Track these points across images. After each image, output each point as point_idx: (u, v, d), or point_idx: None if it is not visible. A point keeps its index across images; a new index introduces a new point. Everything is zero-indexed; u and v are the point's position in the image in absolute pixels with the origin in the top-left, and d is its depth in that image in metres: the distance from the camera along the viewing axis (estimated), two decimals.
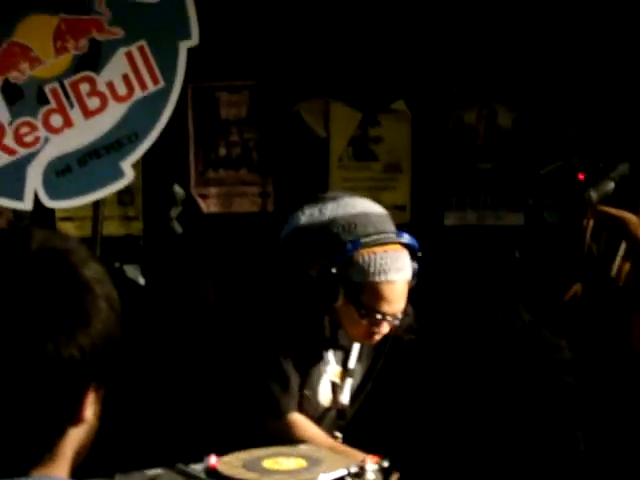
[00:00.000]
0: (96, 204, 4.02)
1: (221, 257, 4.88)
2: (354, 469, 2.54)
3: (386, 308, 2.85)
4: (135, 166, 3.96)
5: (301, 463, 2.62)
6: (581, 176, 3.29)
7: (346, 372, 3.08)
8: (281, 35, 4.83)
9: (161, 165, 4.69)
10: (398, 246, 2.87)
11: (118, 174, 3.88)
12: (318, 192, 4.88)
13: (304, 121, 5.04)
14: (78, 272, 1.27)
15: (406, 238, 2.89)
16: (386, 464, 2.54)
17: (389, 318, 2.86)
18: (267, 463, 2.62)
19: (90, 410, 1.29)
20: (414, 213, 5.03)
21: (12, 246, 1.27)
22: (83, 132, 3.84)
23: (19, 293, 1.23)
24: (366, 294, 2.85)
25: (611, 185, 3.30)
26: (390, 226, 2.92)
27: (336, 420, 3.09)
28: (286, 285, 2.95)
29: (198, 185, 4.96)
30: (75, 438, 1.30)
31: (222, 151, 4.99)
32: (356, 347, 3.07)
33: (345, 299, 2.86)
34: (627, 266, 3.49)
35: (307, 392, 3.02)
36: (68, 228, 4.65)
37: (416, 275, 2.91)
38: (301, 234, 2.92)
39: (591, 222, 3.45)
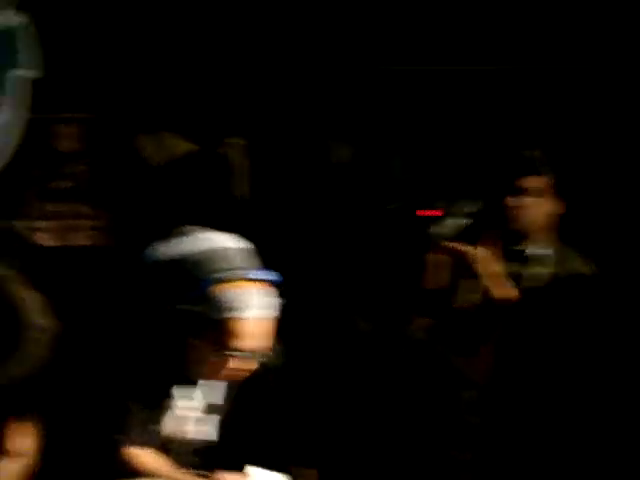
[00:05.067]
0: None
1: (56, 291, 4.78)
2: None
3: (241, 345, 2.85)
4: None
5: None
6: (426, 213, 3.40)
7: (210, 408, 3.06)
8: (115, 67, 4.80)
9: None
10: (253, 282, 2.88)
11: None
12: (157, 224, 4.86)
13: (139, 153, 5.01)
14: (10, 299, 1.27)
15: (260, 274, 2.89)
16: None
17: (246, 355, 2.86)
18: None
19: (19, 443, 1.26)
20: None
21: None
22: None
23: None
24: (219, 331, 2.84)
25: (457, 221, 3.44)
26: (245, 261, 2.91)
27: (203, 457, 3.07)
28: (137, 320, 2.93)
29: (31, 219, 4.85)
30: (5, 472, 1.27)
31: (56, 184, 4.91)
32: (220, 383, 3.06)
33: (198, 336, 2.85)
34: (471, 297, 3.63)
35: (154, 427, 2.98)
36: None
37: (277, 311, 2.91)
38: (153, 270, 2.90)
39: (435, 257, 3.58)
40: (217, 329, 2.83)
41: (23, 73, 3.87)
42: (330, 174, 5.14)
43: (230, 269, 2.85)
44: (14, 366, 1.24)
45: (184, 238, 2.94)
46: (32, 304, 1.29)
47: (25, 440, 1.28)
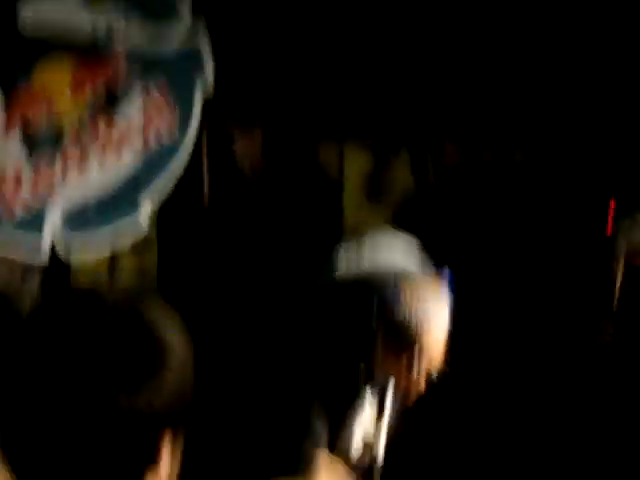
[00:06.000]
0: (112, 255, 4.00)
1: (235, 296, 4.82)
2: None
3: (429, 359, 2.86)
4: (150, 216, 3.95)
5: None
6: (610, 227, 3.27)
7: (381, 415, 3.06)
8: (294, 82, 4.83)
9: (176, 213, 4.65)
10: (438, 283, 2.89)
11: (135, 224, 3.86)
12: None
13: (318, 164, 5.02)
14: (155, 332, 1.27)
15: (446, 274, 2.90)
16: None
17: (432, 369, 2.86)
18: None
19: (166, 459, 1.28)
20: None
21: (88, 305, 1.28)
22: (100, 182, 3.82)
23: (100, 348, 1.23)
24: (408, 343, 2.84)
25: None
26: (426, 267, 2.95)
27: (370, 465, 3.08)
28: (328, 335, 2.93)
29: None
30: None
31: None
32: (389, 392, 3.06)
33: (386, 350, 2.86)
34: None
35: (340, 444, 2.99)
36: (82, 280, 4.61)
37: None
38: (338, 284, 2.91)
39: (620, 271, 3.45)
40: (406, 341, 2.83)
41: (205, 90, 3.94)
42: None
43: (414, 277, 2.87)
44: (154, 394, 1.24)
45: (367, 249, 2.94)
46: (171, 328, 1.27)
47: (167, 460, 1.30)
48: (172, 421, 1.28)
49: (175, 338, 1.29)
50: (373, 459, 3.07)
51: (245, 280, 4.87)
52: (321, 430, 2.92)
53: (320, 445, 2.91)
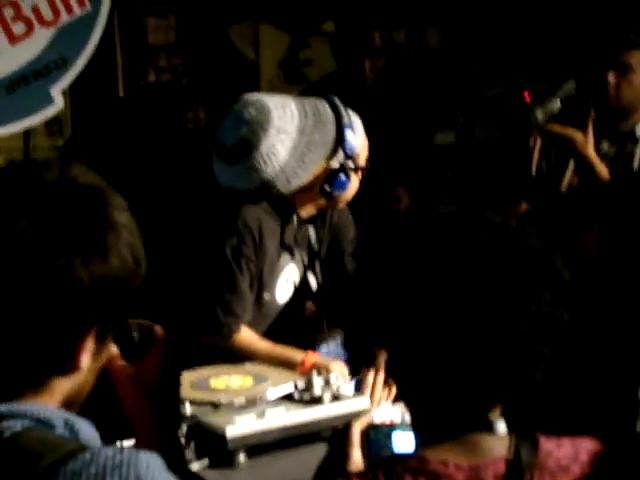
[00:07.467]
0: (26, 134, 3.96)
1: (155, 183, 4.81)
2: (301, 383, 2.55)
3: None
4: (63, 95, 3.90)
5: (248, 381, 2.63)
6: (527, 96, 3.30)
7: (315, 255, 3.08)
8: None
9: (90, 93, 4.60)
10: None
11: (48, 101, 3.82)
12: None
13: (233, 45, 4.98)
14: (108, 212, 1.22)
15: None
16: (333, 379, 2.55)
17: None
18: (214, 382, 2.62)
19: (86, 359, 1.23)
20: None
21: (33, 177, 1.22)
22: (10, 58, 3.77)
23: (47, 214, 1.19)
24: (361, 154, 2.98)
25: (557, 104, 3.32)
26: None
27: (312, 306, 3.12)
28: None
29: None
30: (67, 384, 1.25)
31: (151, 77, 4.91)
32: (311, 229, 3.08)
33: (354, 170, 2.95)
34: (576, 181, 3.53)
35: (266, 296, 3.00)
36: None
37: None
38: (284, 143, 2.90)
39: (538, 141, 3.50)
40: (358, 155, 2.95)
41: None
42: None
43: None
44: (97, 265, 1.20)
45: (270, 106, 2.92)
46: (126, 222, 1.24)
47: (93, 360, 1.26)
48: (102, 315, 1.23)
49: (117, 213, 1.24)
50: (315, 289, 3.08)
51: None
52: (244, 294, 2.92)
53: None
